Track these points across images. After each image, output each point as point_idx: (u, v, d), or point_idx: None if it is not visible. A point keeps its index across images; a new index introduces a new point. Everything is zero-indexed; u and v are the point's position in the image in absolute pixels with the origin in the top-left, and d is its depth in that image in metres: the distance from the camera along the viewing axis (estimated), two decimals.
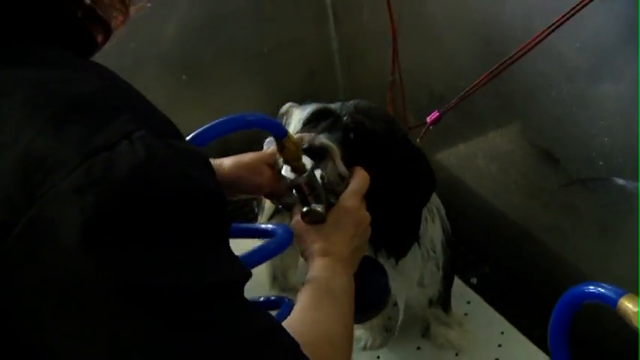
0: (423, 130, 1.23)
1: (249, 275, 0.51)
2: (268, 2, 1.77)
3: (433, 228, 1.10)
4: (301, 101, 1.19)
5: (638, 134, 0.99)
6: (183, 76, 1.74)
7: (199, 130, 0.78)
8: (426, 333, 1.30)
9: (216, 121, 0.81)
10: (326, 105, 0.99)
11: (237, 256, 0.51)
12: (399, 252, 1.01)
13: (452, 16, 1.35)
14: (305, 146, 0.88)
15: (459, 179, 1.54)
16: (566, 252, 1.26)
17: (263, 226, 0.87)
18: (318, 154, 0.88)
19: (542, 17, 1.06)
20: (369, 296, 0.94)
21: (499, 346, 1.26)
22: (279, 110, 1.22)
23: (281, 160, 0.85)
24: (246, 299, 0.50)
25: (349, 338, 0.71)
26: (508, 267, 1.44)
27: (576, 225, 1.20)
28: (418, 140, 1.24)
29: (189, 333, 0.44)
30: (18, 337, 0.44)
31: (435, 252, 1.12)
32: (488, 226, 1.48)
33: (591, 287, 0.62)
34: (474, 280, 1.43)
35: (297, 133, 0.94)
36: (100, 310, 0.42)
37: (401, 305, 1.17)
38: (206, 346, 0.45)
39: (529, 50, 1.04)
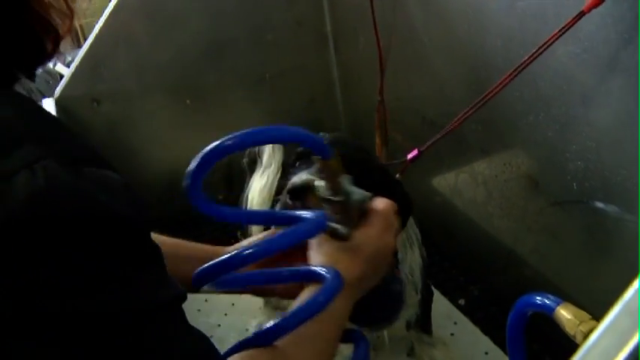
0: (403, 167, 1.28)
1: (179, 298, 0.50)
2: (270, 30, 1.84)
3: (412, 254, 1.13)
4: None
5: (609, 158, 1.03)
6: (187, 101, 1.80)
7: (243, 132, 0.67)
8: (411, 352, 1.33)
9: (260, 128, 0.69)
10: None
11: (167, 278, 0.49)
12: None
13: (440, 45, 1.40)
14: (289, 188, 0.91)
15: (452, 204, 1.57)
16: (549, 273, 1.29)
17: (291, 213, 0.76)
18: (303, 191, 0.90)
19: (519, 47, 1.11)
20: (384, 306, 0.93)
21: None
22: None
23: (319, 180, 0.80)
24: (179, 324, 0.49)
25: None
26: (495, 289, 1.47)
27: (557, 247, 1.24)
28: (398, 175, 1.28)
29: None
30: None
31: (413, 276, 1.15)
32: (477, 249, 1.51)
33: (533, 297, 0.67)
34: (461, 302, 1.47)
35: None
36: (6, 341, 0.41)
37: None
38: None
39: (509, 82, 1.09)
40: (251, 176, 1.19)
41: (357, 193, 0.79)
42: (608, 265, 1.12)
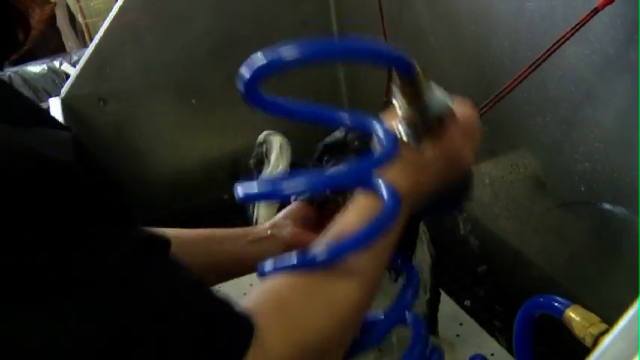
0: None
1: (152, 240, 0.46)
2: (276, 30, 1.84)
3: (421, 252, 1.13)
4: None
5: (617, 160, 1.03)
6: (193, 101, 1.80)
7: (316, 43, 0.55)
8: None
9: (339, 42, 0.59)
10: (332, 137, 1.01)
11: (135, 227, 0.46)
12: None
13: (447, 46, 1.40)
14: (325, 143, 0.90)
15: None
16: (555, 275, 1.28)
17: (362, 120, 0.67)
18: (338, 147, 0.90)
19: (526, 48, 1.11)
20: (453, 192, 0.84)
21: None
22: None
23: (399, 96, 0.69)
24: (156, 265, 0.46)
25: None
26: (501, 290, 1.46)
27: (563, 248, 1.23)
28: None
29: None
30: None
31: (422, 274, 1.15)
32: (484, 250, 1.50)
33: (541, 299, 0.66)
34: (467, 303, 1.46)
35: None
36: None
37: None
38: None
39: (516, 86, 1.08)
40: (258, 177, 1.18)
41: (436, 102, 0.69)
42: (616, 267, 1.11)
